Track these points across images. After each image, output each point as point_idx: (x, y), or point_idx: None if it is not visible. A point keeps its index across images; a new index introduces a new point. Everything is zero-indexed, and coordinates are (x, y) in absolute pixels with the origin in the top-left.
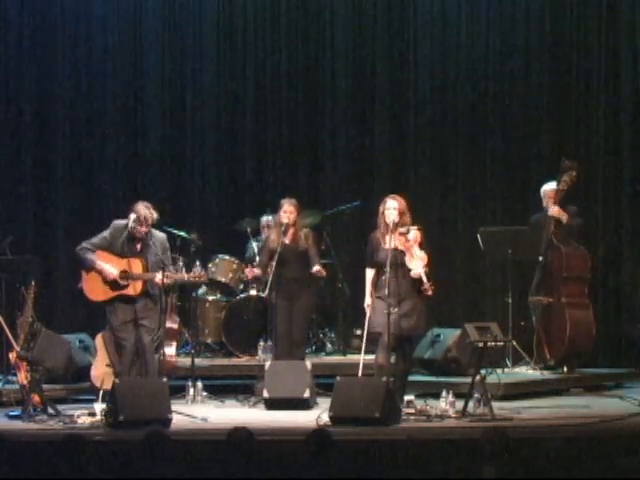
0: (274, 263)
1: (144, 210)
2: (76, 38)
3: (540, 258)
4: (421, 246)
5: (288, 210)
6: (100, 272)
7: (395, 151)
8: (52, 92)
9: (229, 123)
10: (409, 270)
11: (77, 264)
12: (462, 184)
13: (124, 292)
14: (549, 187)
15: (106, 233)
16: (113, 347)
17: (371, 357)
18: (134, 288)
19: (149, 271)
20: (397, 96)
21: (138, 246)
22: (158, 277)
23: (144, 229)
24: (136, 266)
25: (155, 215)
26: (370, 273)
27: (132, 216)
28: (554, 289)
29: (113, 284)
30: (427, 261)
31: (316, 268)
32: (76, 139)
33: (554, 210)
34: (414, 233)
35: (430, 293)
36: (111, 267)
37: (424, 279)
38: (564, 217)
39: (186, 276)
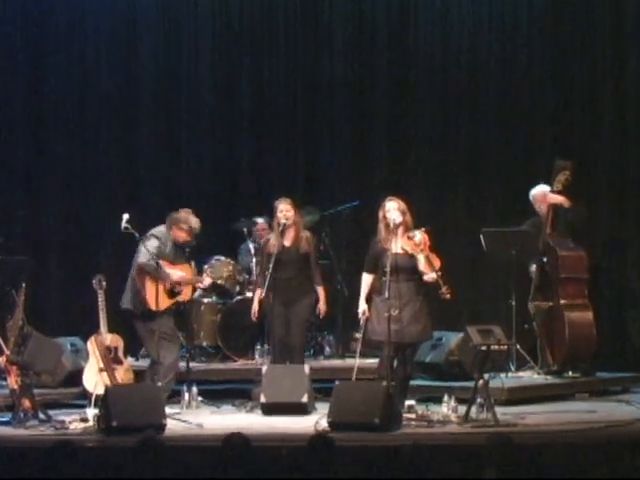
0: (271, 265)
1: (195, 222)
2: (70, 36)
3: (533, 266)
4: (431, 249)
5: (285, 209)
6: (167, 279)
7: (394, 150)
8: (44, 92)
9: (226, 121)
10: (414, 274)
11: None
12: (463, 184)
13: (179, 299)
14: (538, 191)
15: (155, 242)
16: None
17: (367, 361)
18: (185, 294)
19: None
20: (397, 94)
21: (186, 251)
22: (207, 281)
23: (189, 239)
24: (186, 272)
25: (199, 224)
26: (367, 278)
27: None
28: (552, 292)
29: (170, 292)
30: (440, 264)
31: (321, 308)
32: (69, 140)
33: (553, 197)
34: (421, 236)
35: (449, 297)
36: (179, 272)
37: (440, 283)
38: (565, 202)
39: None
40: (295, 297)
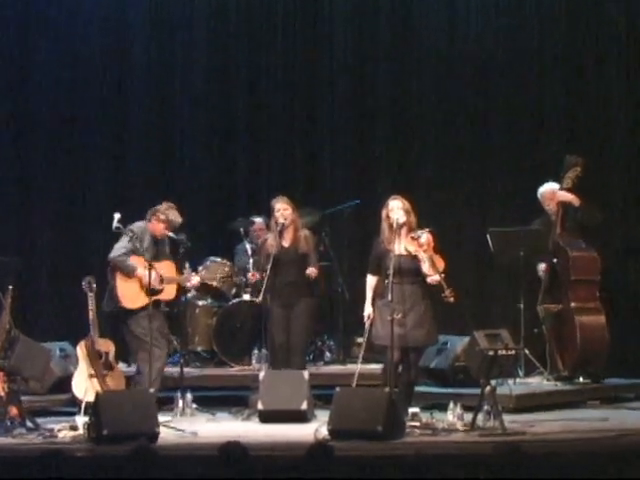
0: (269, 266)
1: (173, 215)
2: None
3: (542, 265)
4: (435, 250)
5: (282, 208)
6: (140, 278)
7: (397, 145)
8: (32, 90)
9: (221, 116)
10: (418, 276)
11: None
12: (469, 181)
13: (159, 297)
14: (547, 188)
15: (131, 237)
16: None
17: (369, 366)
18: (168, 293)
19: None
20: (400, 88)
21: (166, 248)
22: (195, 280)
23: (168, 232)
24: (169, 269)
25: (180, 219)
26: (372, 280)
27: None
28: (562, 294)
29: (148, 290)
30: (444, 266)
31: (309, 270)
32: (59, 138)
33: (562, 195)
34: (426, 236)
35: (452, 300)
36: (147, 272)
37: (444, 286)
38: (575, 200)
39: (218, 276)
40: (295, 299)
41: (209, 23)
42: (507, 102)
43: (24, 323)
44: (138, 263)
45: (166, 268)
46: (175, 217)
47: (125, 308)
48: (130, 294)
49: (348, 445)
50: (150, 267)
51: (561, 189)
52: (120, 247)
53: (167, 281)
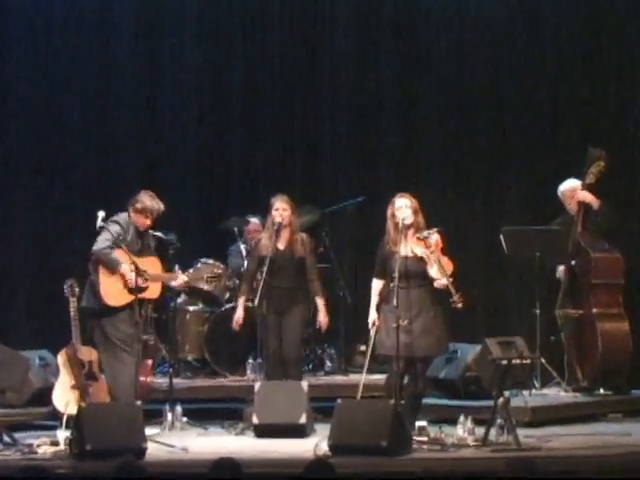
0: (265, 269)
1: (150, 201)
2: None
3: (560, 267)
4: (443, 251)
5: (281, 207)
6: (124, 274)
7: (403, 140)
8: (11, 88)
9: (214, 107)
10: (426, 279)
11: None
12: (479, 178)
13: (143, 296)
14: (567, 186)
15: (116, 228)
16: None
17: (372, 377)
18: (152, 291)
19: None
20: (405, 79)
21: (151, 243)
22: (181, 279)
23: (149, 222)
24: (154, 265)
25: (161, 206)
26: (377, 284)
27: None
28: (583, 299)
29: (132, 287)
30: (452, 269)
31: (321, 322)
32: (38, 137)
33: (582, 195)
34: (435, 237)
35: (460, 306)
36: (130, 270)
37: (452, 290)
38: (594, 201)
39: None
40: (289, 306)
41: (203, 14)
42: (520, 97)
43: (0, 330)
44: (122, 258)
45: (151, 264)
46: (151, 203)
47: (107, 305)
48: (113, 291)
49: (350, 461)
50: (135, 264)
51: (583, 184)
52: (104, 239)
53: (152, 278)
